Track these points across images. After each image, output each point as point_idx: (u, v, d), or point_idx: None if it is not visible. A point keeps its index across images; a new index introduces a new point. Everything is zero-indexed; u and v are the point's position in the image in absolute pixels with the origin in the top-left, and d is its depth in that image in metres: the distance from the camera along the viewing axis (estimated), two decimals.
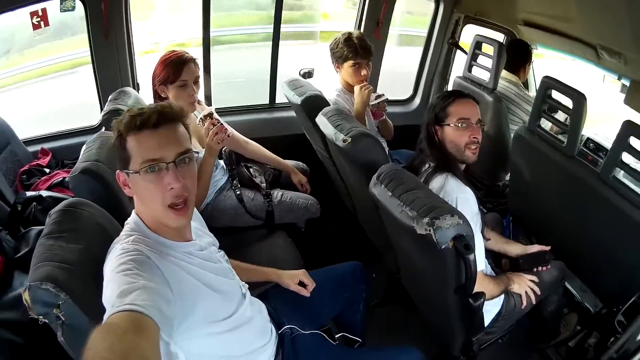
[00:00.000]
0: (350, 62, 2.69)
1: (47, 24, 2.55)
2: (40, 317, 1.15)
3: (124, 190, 1.34)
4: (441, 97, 1.99)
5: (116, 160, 1.33)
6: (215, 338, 1.39)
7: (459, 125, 1.90)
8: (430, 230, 1.44)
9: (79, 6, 2.62)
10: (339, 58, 2.72)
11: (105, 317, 1.02)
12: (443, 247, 1.45)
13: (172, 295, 1.20)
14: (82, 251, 1.33)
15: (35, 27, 2.53)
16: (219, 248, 1.63)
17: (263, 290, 1.87)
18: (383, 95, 2.73)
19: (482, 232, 1.92)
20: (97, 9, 2.62)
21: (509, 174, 2.90)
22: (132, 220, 1.37)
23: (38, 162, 2.68)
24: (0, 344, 1.60)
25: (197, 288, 1.34)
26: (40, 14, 2.51)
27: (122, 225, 1.40)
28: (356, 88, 2.67)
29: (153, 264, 1.22)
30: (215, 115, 2.26)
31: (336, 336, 1.92)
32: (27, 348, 1.61)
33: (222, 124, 2.21)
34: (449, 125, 1.92)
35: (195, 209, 1.55)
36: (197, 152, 2.17)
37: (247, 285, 1.62)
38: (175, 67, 2.25)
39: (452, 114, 1.92)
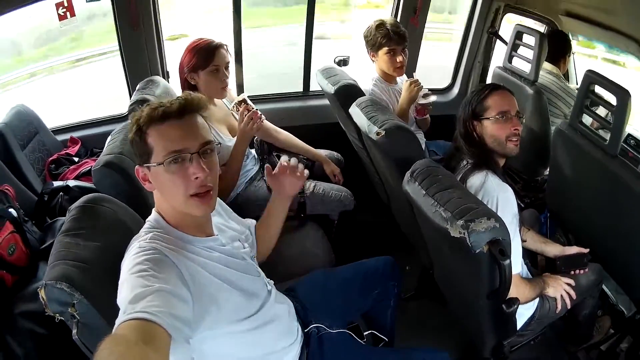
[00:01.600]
0: (385, 49, 2.63)
1: (73, 15, 2.56)
2: (57, 314, 1.17)
3: (144, 185, 1.33)
4: (476, 91, 1.92)
5: (135, 156, 1.32)
6: (237, 337, 1.37)
7: (500, 117, 1.83)
8: (464, 234, 1.38)
9: None
10: (373, 46, 2.66)
11: (116, 323, 1.00)
12: (477, 251, 1.39)
13: (190, 294, 1.18)
14: (100, 249, 1.33)
15: (61, 17, 2.54)
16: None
17: (291, 286, 1.83)
18: (431, 94, 2.66)
19: (519, 231, 1.84)
20: None
21: (548, 169, 2.79)
22: (152, 217, 1.36)
23: (67, 151, 2.71)
24: (22, 334, 1.63)
25: (216, 285, 1.31)
26: (66, 4, 2.52)
27: (145, 220, 1.38)
28: (405, 83, 2.60)
29: (171, 263, 1.20)
30: (249, 102, 2.23)
31: (365, 334, 1.87)
32: (49, 339, 1.64)
33: (256, 110, 2.19)
34: (488, 119, 1.84)
35: (220, 202, 1.55)
36: (219, 144, 2.15)
37: (272, 282, 1.59)
38: (205, 53, 2.23)
39: (490, 107, 1.84)
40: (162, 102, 1.28)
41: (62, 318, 1.17)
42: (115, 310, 1.05)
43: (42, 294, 1.15)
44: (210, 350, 1.32)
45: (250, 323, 1.40)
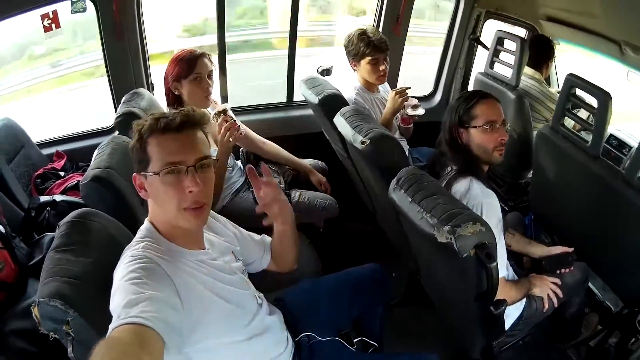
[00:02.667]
0: (368, 59, 2.63)
1: (58, 26, 2.56)
2: (51, 332, 1.16)
3: (140, 193, 1.33)
4: (463, 98, 1.93)
5: (134, 163, 1.32)
6: (228, 348, 1.37)
7: (487, 127, 1.84)
8: (451, 239, 1.39)
9: (90, 7, 2.62)
10: (355, 55, 2.66)
11: (110, 327, 1.01)
12: (464, 255, 1.40)
13: (181, 303, 1.19)
14: (92, 264, 1.32)
15: (47, 29, 2.54)
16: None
17: (279, 295, 1.83)
18: (420, 105, 2.68)
19: (503, 235, 1.86)
20: (108, 9, 2.62)
21: (531, 172, 2.84)
22: (144, 227, 1.36)
23: (53, 165, 2.68)
24: (13, 353, 1.60)
25: (207, 298, 1.32)
26: (51, 16, 2.52)
27: (134, 234, 1.38)
28: (391, 93, 2.61)
29: (162, 272, 1.21)
30: (230, 113, 2.23)
31: (355, 341, 1.87)
32: (41, 357, 1.61)
33: (235, 121, 2.19)
34: (475, 127, 1.86)
35: (214, 215, 1.58)
36: (217, 160, 2.16)
37: (262, 295, 1.59)
38: (188, 62, 2.24)
39: (478, 116, 1.86)
40: (165, 114, 1.30)
41: (56, 336, 1.17)
42: (109, 324, 1.05)
43: (35, 311, 1.14)
44: None
45: (241, 335, 1.40)
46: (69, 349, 1.16)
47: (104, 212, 1.54)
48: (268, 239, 1.75)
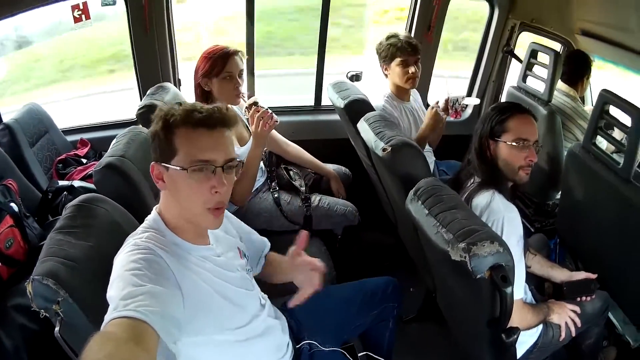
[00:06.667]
0: (398, 60, 2.58)
1: (88, 17, 2.63)
2: (42, 310, 1.17)
3: (157, 183, 1.31)
4: (499, 109, 1.85)
5: (153, 152, 1.30)
6: (225, 347, 1.36)
7: (516, 144, 1.76)
8: (465, 258, 1.33)
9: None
10: (385, 58, 2.62)
11: (106, 318, 1.00)
12: (478, 277, 1.34)
13: (182, 296, 1.19)
14: (91, 249, 1.33)
15: (77, 20, 2.61)
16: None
17: (287, 300, 1.79)
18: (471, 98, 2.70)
19: (524, 255, 1.79)
20: (137, 2, 2.67)
21: (559, 193, 2.75)
22: (151, 217, 1.35)
23: (76, 152, 2.75)
24: (13, 327, 1.65)
25: (207, 294, 1.31)
26: (81, 7, 2.59)
27: (141, 224, 1.38)
28: (432, 110, 2.55)
29: (164, 264, 1.20)
30: (261, 103, 2.22)
31: (359, 354, 1.83)
32: (40, 335, 1.65)
33: (267, 109, 2.18)
34: (505, 142, 1.78)
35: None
36: (242, 162, 2.14)
37: (267, 297, 1.57)
38: (220, 60, 2.24)
39: (510, 130, 1.78)
40: (197, 107, 1.28)
41: (47, 314, 1.18)
42: (100, 311, 1.05)
43: (29, 288, 1.16)
44: (198, 357, 1.31)
45: (239, 334, 1.39)
46: (57, 328, 1.17)
47: (114, 200, 1.55)
48: (267, 247, 1.74)
